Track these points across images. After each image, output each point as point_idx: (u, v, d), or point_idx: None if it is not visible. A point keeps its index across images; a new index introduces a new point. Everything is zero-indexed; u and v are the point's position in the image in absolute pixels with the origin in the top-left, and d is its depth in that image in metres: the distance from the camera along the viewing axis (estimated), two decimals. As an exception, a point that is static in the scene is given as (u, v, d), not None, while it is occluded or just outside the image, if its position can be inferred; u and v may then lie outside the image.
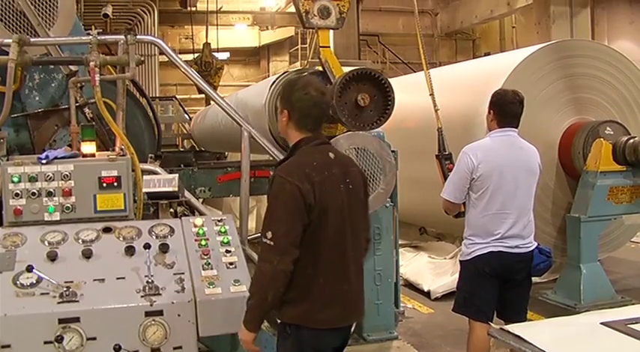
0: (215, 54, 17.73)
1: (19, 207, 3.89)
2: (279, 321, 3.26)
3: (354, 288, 3.35)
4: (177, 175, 4.32)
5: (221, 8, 19.51)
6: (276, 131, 5.11)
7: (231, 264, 3.81)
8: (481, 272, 4.64)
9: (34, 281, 3.47)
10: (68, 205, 3.94)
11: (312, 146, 3.26)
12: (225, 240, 3.95)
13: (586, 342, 2.55)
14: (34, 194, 3.90)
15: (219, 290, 3.62)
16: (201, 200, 5.07)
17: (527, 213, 4.70)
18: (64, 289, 3.43)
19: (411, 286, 8.21)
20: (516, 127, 4.72)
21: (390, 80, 4.86)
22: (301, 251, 3.10)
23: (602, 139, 7.24)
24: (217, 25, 18.81)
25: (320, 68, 5.15)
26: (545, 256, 4.71)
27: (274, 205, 3.13)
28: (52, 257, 3.62)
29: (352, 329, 3.47)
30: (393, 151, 4.96)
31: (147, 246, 3.67)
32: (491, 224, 4.61)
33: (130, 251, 3.72)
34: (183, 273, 3.66)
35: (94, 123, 4.78)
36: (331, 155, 3.30)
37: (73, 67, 4.91)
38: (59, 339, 3.31)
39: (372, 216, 4.95)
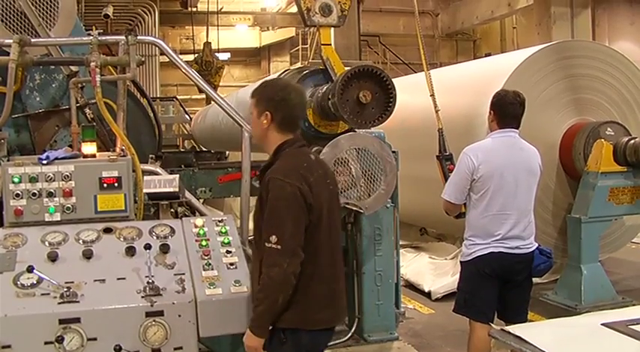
0: (216, 54, 17.73)
1: (19, 208, 3.89)
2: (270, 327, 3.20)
3: (342, 288, 3.40)
4: (177, 176, 4.32)
5: (222, 9, 19.51)
6: None
7: (231, 264, 3.81)
8: (482, 272, 4.64)
9: (35, 282, 3.47)
10: (69, 206, 3.94)
11: (296, 148, 3.27)
12: (226, 241, 3.95)
13: (587, 343, 2.55)
14: (34, 194, 3.90)
15: (219, 290, 3.62)
16: (201, 200, 5.07)
17: (527, 214, 4.70)
18: (65, 289, 3.43)
19: (412, 287, 8.20)
20: (517, 128, 4.72)
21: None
22: None
23: (602, 140, 7.23)
24: (218, 25, 18.81)
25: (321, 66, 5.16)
26: (545, 257, 4.71)
27: (276, 208, 3.10)
28: (53, 257, 3.62)
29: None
30: (393, 152, 4.96)
31: (147, 247, 3.67)
32: (492, 225, 4.61)
33: (130, 251, 3.72)
34: (183, 274, 3.66)
35: (94, 123, 4.78)
36: (312, 157, 3.35)
37: (73, 68, 4.91)
38: (60, 340, 3.31)
39: (373, 216, 4.98)
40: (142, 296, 3.50)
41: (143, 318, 3.45)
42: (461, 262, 4.87)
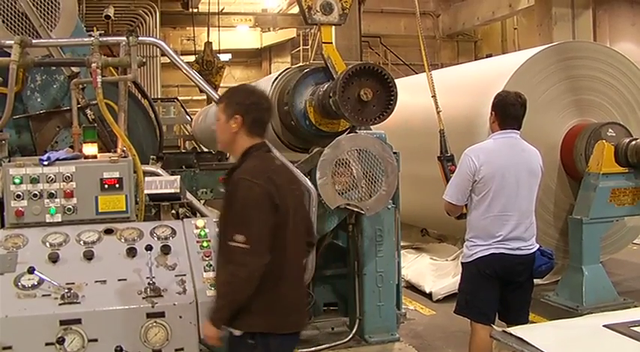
0: (217, 54, 17.73)
1: (20, 209, 3.89)
2: (237, 332, 3.15)
3: (305, 293, 3.49)
4: (178, 177, 4.32)
5: (223, 9, 19.50)
6: (278, 127, 5.11)
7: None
8: (483, 274, 4.64)
9: (36, 283, 3.48)
10: (70, 207, 3.94)
11: (263, 152, 3.30)
12: (227, 242, 3.94)
13: (589, 345, 2.55)
14: (35, 195, 3.91)
15: (220, 291, 3.61)
16: (202, 201, 5.07)
17: (529, 215, 4.70)
18: (66, 290, 3.44)
19: (413, 288, 8.19)
20: (518, 129, 4.72)
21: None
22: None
23: (604, 141, 7.22)
24: (219, 26, 18.80)
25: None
26: (547, 258, 4.71)
27: (244, 208, 3.10)
28: (54, 258, 3.63)
29: None
30: (395, 153, 4.96)
31: (148, 248, 3.67)
32: (493, 226, 4.60)
33: (131, 252, 3.72)
34: (184, 275, 3.66)
35: (95, 124, 4.79)
36: (278, 161, 3.38)
37: (74, 69, 4.92)
38: (60, 341, 3.32)
39: (374, 217, 4.98)
40: (143, 298, 3.50)
41: (144, 319, 3.46)
42: (462, 263, 4.86)
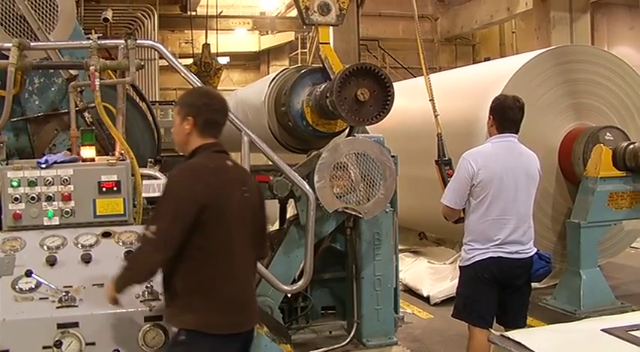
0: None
1: (18, 212, 3.88)
2: (175, 329, 3.22)
3: (249, 295, 3.36)
4: (176, 180, 4.29)
5: (221, 13, 19.52)
6: (274, 128, 5.10)
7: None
8: (481, 277, 4.64)
9: (33, 286, 3.47)
10: (67, 210, 3.93)
11: (211, 152, 3.30)
12: (225, 245, 3.93)
13: (587, 349, 2.55)
14: (33, 198, 3.90)
15: (218, 295, 3.61)
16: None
17: (527, 219, 4.70)
18: (63, 294, 3.43)
19: (411, 291, 8.20)
20: (516, 133, 4.72)
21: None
22: (196, 253, 3.13)
23: (602, 145, 7.24)
24: (217, 29, 18.81)
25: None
26: (544, 262, 4.71)
27: (164, 203, 3.19)
28: (51, 261, 3.62)
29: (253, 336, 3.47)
30: (393, 156, 4.96)
31: (146, 251, 3.65)
32: (491, 229, 4.61)
33: (129, 256, 3.71)
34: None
35: (93, 127, 4.78)
36: (228, 162, 3.35)
37: (73, 72, 4.91)
38: (58, 344, 3.31)
39: (372, 221, 4.98)
40: (141, 301, 3.49)
41: (142, 323, 3.45)
42: (460, 267, 4.86)
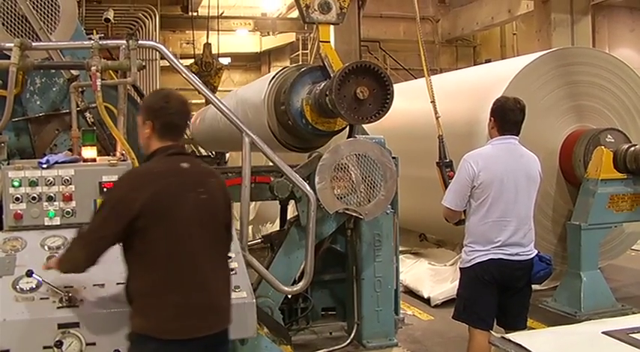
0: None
1: (19, 212, 3.88)
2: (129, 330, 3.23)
3: (212, 299, 3.24)
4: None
5: (222, 13, 19.50)
6: (274, 126, 5.10)
7: (231, 270, 3.79)
8: (481, 279, 4.64)
9: (34, 286, 3.47)
10: (68, 210, 3.94)
11: (165, 155, 3.28)
12: (226, 246, 3.93)
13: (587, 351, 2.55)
14: (34, 198, 3.90)
15: (219, 296, 3.60)
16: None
17: (527, 221, 4.70)
18: (64, 294, 3.42)
19: (411, 293, 8.20)
20: (517, 135, 4.72)
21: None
22: (140, 258, 3.14)
23: (602, 147, 7.24)
24: (218, 30, 18.78)
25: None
26: (545, 264, 4.71)
27: (102, 205, 3.28)
28: (52, 261, 3.61)
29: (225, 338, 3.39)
30: (394, 158, 4.95)
31: (147, 252, 3.65)
32: (492, 231, 4.61)
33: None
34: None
35: (94, 127, 4.78)
36: (184, 165, 3.30)
37: (74, 72, 4.91)
38: (58, 344, 3.31)
39: (373, 222, 4.98)
40: (142, 301, 3.48)
41: (142, 323, 3.44)
42: (460, 268, 4.86)
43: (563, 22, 15.11)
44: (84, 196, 3.96)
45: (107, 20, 14.70)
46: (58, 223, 3.93)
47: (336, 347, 5.03)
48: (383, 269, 5.11)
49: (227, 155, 10.33)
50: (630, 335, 2.57)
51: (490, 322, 4.67)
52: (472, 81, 9.09)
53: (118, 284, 3.55)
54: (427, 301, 7.84)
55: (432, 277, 8.35)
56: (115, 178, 3.96)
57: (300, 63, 20.62)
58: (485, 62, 16.29)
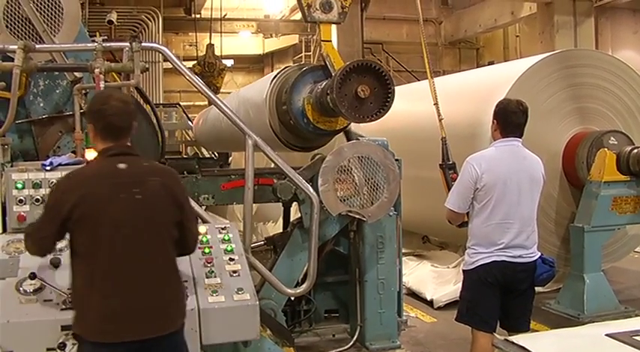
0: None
1: (22, 214, 3.90)
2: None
3: (140, 302, 3.16)
4: (180, 182, 4.29)
5: (225, 15, 19.52)
6: (276, 126, 5.10)
7: (234, 272, 3.81)
8: (484, 281, 4.63)
9: (37, 288, 3.47)
10: (72, 212, 3.93)
11: (105, 157, 3.27)
12: (229, 248, 3.95)
13: (591, 354, 2.55)
14: (37, 200, 3.91)
15: (222, 298, 3.62)
16: (204, 207, 5.07)
17: (530, 223, 4.69)
18: (67, 296, 3.42)
19: (414, 295, 8.18)
20: (520, 137, 4.72)
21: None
22: (76, 260, 3.16)
23: (606, 149, 7.22)
24: (221, 32, 18.81)
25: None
26: (548, 266, 4.70)
27: (44, 206, 3.35)
28: (56, 263, 3.61)
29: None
30: (397, 160, 4.96)
31: (150, 254, 3.65)
32: (495, 233, 4.60)
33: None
34: (186, 281, 3.64)
35: (98, 129, 4.77)
36: (121, 166, 3.24)
37: (77, 74, 4.92)
38: (62, 346, 3.31)
39: (376, 224, 4.98)
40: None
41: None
42: (463, 271, 4.86)
43: (566, 25, 15.13)
44: (87, 198, 3.95)
45: (110, 22, 14.72)
46: (62, 225, 3.92)
47: (339, 350, 5.04)
48: (386, 272, 5.12)
49: (230, 157, 10.33)
50: (634, 337, 2.57)
51: (493, 324, 4.66)
52: (475, 83, 9.08)
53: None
54: (430, 303, 7.83)
55: (434, 279, 8.34)
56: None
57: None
58: (488, 64, 16.26)
